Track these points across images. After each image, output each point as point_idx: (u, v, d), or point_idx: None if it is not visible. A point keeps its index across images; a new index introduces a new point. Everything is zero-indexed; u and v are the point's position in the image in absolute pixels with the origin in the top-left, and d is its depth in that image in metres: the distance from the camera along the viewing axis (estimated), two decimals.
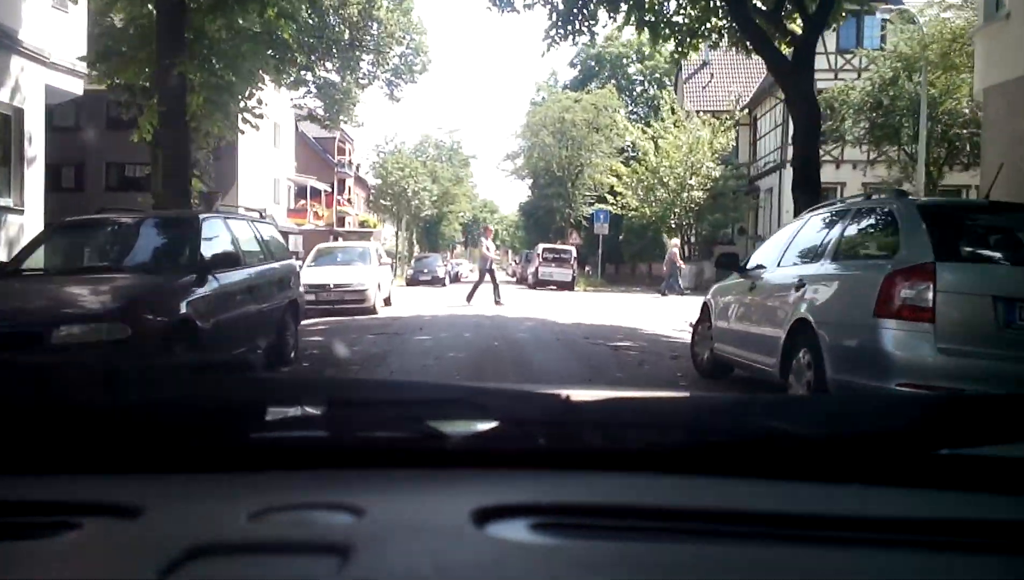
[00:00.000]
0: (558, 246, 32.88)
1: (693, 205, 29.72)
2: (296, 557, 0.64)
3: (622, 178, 31.46)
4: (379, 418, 0.92)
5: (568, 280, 31.24)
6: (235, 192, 32.72)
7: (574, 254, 31.82)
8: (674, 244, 26.06)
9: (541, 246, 32.17)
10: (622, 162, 32.78)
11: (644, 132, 30.95)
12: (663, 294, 25.08)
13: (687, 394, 1.57)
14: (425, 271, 32.08)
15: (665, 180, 30.19)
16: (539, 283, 31.25)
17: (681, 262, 25.69)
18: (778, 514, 0.75)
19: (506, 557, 0.65)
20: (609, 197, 33.31)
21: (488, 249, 17.96)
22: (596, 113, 39.13)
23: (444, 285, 32.37)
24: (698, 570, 0.65)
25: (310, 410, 0.94)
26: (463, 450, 0.87)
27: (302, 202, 41.47)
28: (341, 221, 52.75)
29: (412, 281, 31.83)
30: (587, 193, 41.37)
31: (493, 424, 0.89)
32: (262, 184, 34.99)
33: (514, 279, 51.13)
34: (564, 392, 0.93)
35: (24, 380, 0.99)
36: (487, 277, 17.87)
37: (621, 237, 35.69)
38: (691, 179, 29.75)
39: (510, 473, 0.84)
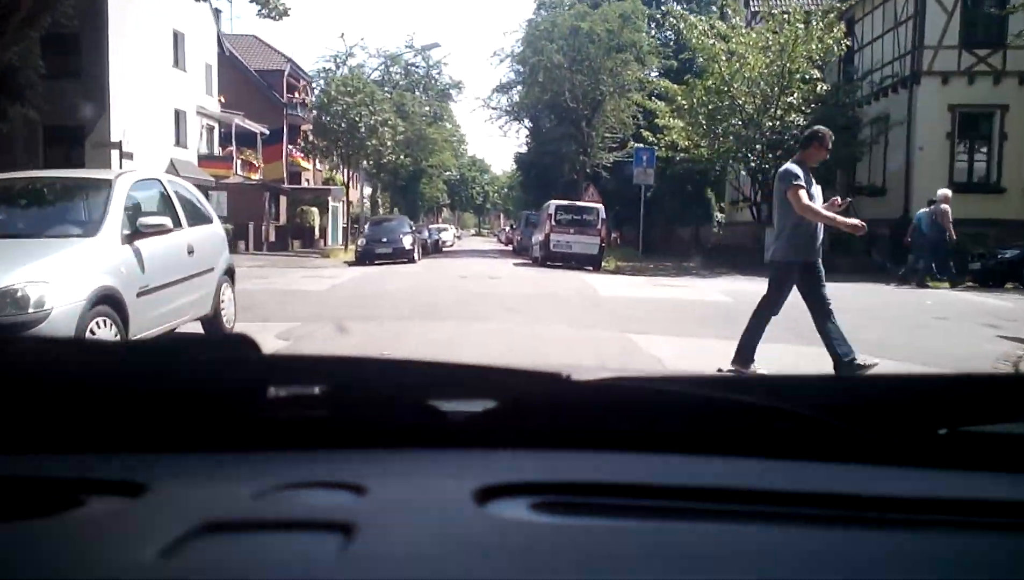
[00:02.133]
0: (580, 204, 22.70)
1: (787, 135, 19.48)
2: (299, 534, 0.64)
3: (674, 100, 21.11)
4: (381, 397, 0.91)
5: (594, 253, 21.18)
6: (104, 127, 22.30)
7: (602, 215, 21.67)
8: (944, 196, 15.41)
9: (554, 203, 22.00)
10: (669, 80, 22.26)
11: (707, 33, 20.55)
12: (910, 282, 15.15)
13: (688, 373, 1.47)
14: (384, 241, 21.91)
15: (741, 101, 19.96)
16: (550, 257, 21.21)
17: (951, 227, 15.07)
18: (780, 492, 0.75)
19: (508, 535, 0.65)
20: (647, 134, 23.16)
21: None
22: (621, 26, 28.58)
23: (413, 260, 22.20)
24: (700, 549, 0.65)
25: (312, 389, 0.92)
26: (465, 429, 0.88)
27: (231, 149, 30.97)
28: (296, 177, 42.28)
29: (365, 256, 21.68)
30: (608, 136, 31.04)
31: (495, 403, 0.90)
32: (154, 118, 24.53)
33: (509, 248, 41.05)
34: (566, 371, 0.91)
35: (25, 357, 0.93)
36: None
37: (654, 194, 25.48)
38: (786, 96, 19.53)
39: (512, 452, 0.85)
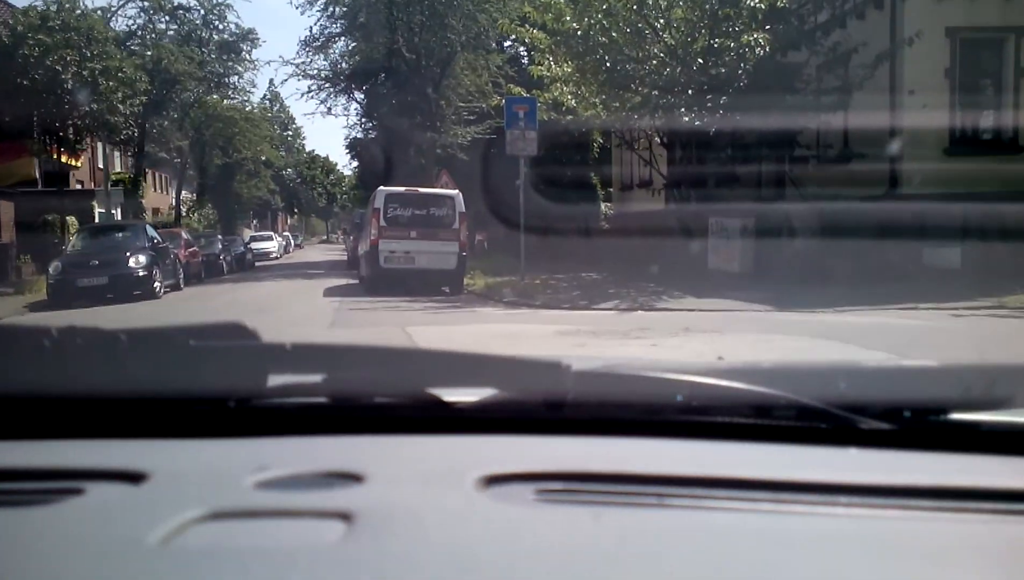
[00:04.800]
0: (424, 191, 14.85)
1: (728, 71, 12.60)
2: (300, 522, 0.64)
3: (558, 31, 13.64)
4: (381, 384, 0.90)
5: (451, 266, 13.48)
6: None
7: (459, 207, 13.98)
8: None
9: (383, 192, 14.03)
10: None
11: None
12: None
13: (688, 361, 1.58)
14: (94, 264, 13.08)
15: (659, 25, 12.89)
16: (382, 278, 13.34)
17: None
18: (780, 481, 0.74)
19: (512, 524, 0.65)
20: (518, 91, 15.70)
21: None
22: None
23: (154, 293, 13.58)
24: (702, 536, 0.65)
25: (312, 376, 0.91)
26: (465, 417, 0.86)
27: None
28: (60, 178, 31.67)
29: (60, 292, 12.83)
30: (463, 106, 23.38)
31: (495, 391, 0.88)
32: None
33: (346, 260, 32.62)
34: (566, 361, 0.90)
35: (25, 345, 0.92)
36: None
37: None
38: (725, 11, 12.62)
39: (512, 439, 0.84)
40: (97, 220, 28.36)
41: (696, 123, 13.10)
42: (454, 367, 0.96)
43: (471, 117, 23.06)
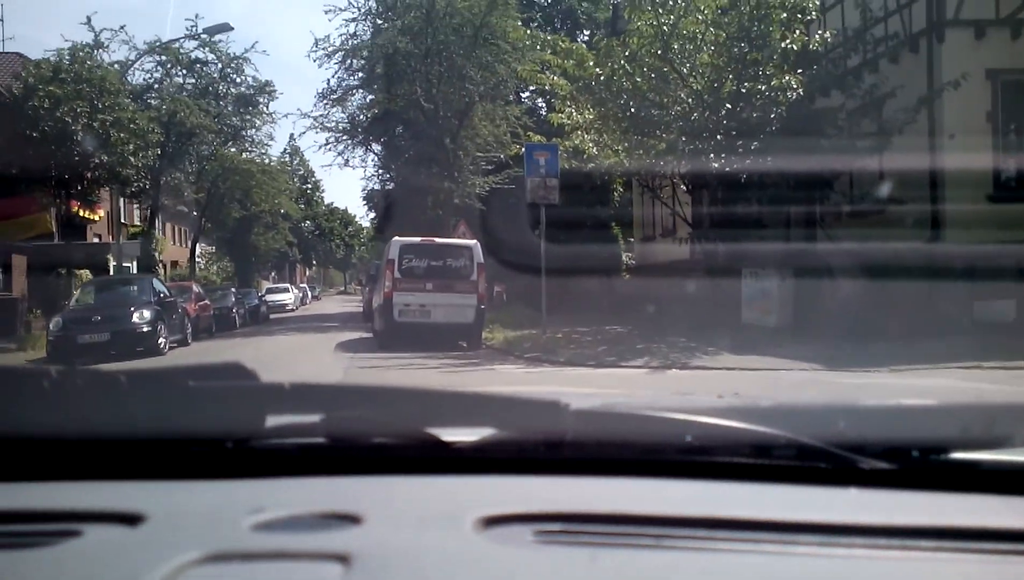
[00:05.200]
0: (441, 241, 14.26)
1: (760, 114, 12.02)
2: (297, 564, 0.64)
3: (581, 78, 13.16)
4: (379, 424, 0.89)
5: (469, 320, 12.82)
6: None
7: (477, 257, 13.37)
8: None
9: (398, 242, 13.44)
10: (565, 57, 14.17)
11: None
12: None
13: (688, 400, 1.50)
14: (96, 319, 12.53)
15: (686, 70, 12.40)
16: (397, 333, 12.67)
17: None
18: (781, 521, 0.74)
19: (510, 566, 0.64)
20: (538, 139, 15.21)
21: None
22: (489, 7, 20.75)
23: (158, 349, 13.00)
24: (703, 578, 0.65)
25: (310, 417, 0.90)
26: (463, 457, 0.86)
27: None
28: (78, 231, 31.61)
29: (61, 349, 12.28)
30: (480, 156, 23.01)
31: (493, 431, 0.87)
32: None
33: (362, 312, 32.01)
34: (564, 399, 0.90)
35: (25, 387, 0.92)
36: None
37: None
38: (755, 55, 12.11)
39: (511, 479, 0.84)
40: (112, 273, 28.15)
41: (726, 169, 12.48)
42: (453, 406, 0.95)
43: (489, 167, 22.65)
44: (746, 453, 0.86)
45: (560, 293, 21.07)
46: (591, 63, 12.62)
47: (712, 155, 12.39)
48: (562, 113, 14.36)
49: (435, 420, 0.89)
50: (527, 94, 25.98)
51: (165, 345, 13.34)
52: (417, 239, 13.95)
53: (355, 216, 72.97)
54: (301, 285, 52.36)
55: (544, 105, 27.05)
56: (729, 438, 0.88)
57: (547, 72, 13.94)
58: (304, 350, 14.03)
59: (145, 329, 12.79)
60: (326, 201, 63.83)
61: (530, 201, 12.86)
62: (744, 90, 12.42)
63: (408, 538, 0.68)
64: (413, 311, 12.89)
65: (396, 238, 13.44)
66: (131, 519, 0.73)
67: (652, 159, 13.87)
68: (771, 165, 12.22)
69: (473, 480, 0.84)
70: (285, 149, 41.39)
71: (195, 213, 31.43)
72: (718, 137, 12.39)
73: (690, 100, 12.72)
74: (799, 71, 12.32)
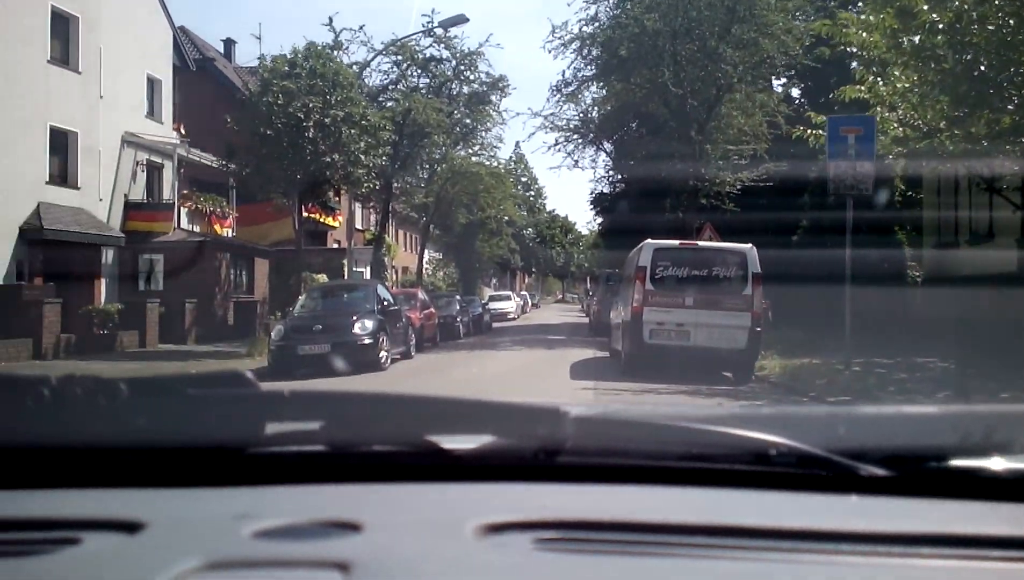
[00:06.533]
0: (705, 244, 11.60)
1: None
2: (297, 572, 0.64)
3: (902, 29, 9.87)
4: (378, 432, 0.90)
5: (741, 345, 10.06)
6: None
7: (752, 266, 10.55)
8: None
9: (651, 245, 10.93)
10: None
11: None
12: None
13: (688, 408, 1.42)
14: (318, 329, 11.39)
15: None
16: (645, 356, 10.24)
17: None
18: (782, 529, 0.74)
19: (510, 573, 0.65)
20: (797, 132, 11.99)
21: None
22: None
23: (378, 364, 11.64)
24: None
25: (309, 425, 0.90)
26: (463, 464, 0.86)
27: (172, 196, 21.49)
28: (319, 237, 32.83)
29: (282, 361, 11.26)
30: (731, 149, 19.97)
31: (493, 438, 0.88)
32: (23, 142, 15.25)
33: (587, 321, 29.97)
34: (563, 407, 0.90)
35: (24, 395, 0.90)
36: None
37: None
38: None
39: (511, 487, 0.84)
40: (347, 278, 28.60)
41: None
42: (453, 414, 0.94)
43: (743, 161, 19.58)
44: (746, 460, 0.85)
45: (826, 310, 17.46)
46: (924, 6, 9.34)
47: None
48: (862, 85, 11.13)
49: (435, 428, 0.88)
50: (783, 79, 22.44)
51: (387, 359, 12.00)
52: (675, 242, 11.45)
53: (574, 223, 71.91)
54: (521, 293, 51.79)
55: (803, 88, 23.38)
56: (729, 445, 0.87)
57: (849, 29, 10.76)
58: (537, 371, 12.08)
59: (366, 341, 11.48)
60: (547, 208, 63.26)
61: (833, 192, 9.85)
62: None
63: (408, 546, 0.68)
64: (668, 331, 10.41)
65: (649, 241, 11.04)
66: (131, 527, 0.72)
67: (991, 140, 10.26)
68: None
69: (473, 488, 0.84)
70: (511, 156, 40.82)
71: (423, 217, 31.43)
72: None
73: None
74: None
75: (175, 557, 0.64)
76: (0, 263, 15.30)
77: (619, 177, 26.20)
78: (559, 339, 20.02)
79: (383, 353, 11.88)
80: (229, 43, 33.65)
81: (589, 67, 20.15)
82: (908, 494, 0.83)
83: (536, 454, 0.86)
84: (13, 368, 11.89)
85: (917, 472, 0.85)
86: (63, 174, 17.37)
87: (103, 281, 18.61)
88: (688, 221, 19.38)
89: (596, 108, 22.83)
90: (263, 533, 0.70)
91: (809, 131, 12.24)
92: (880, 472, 0.83)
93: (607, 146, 25.08)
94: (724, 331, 10.19)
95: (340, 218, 32.90)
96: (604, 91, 21.75)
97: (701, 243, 11.42)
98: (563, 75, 20.93)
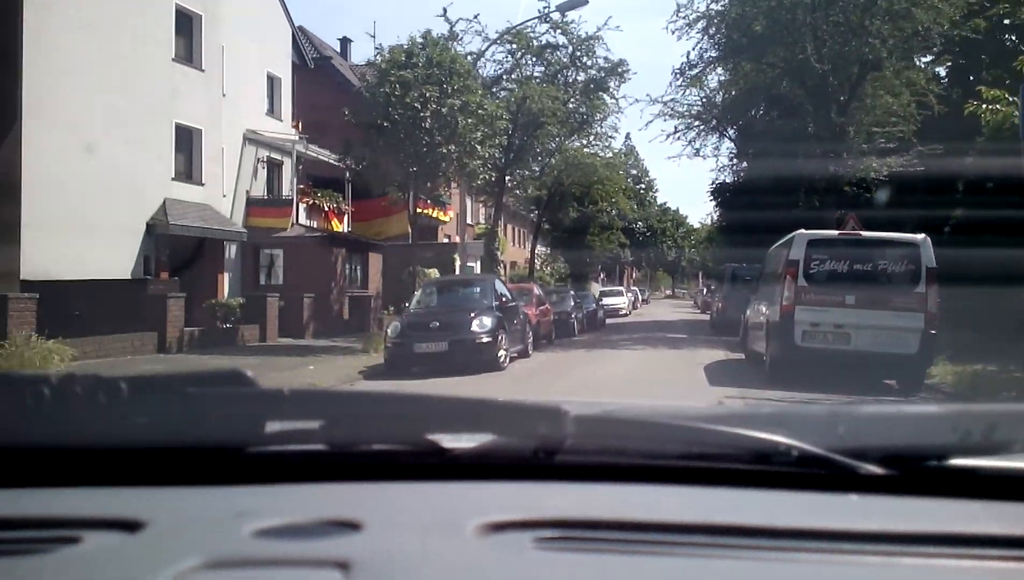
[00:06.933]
0: (870, 235, 10.15)
1: None
2: (297, 571, 0.64)
3: None
4: (378, 431, 0.90)
5: (908, 352, 8.74)
6: (15, 151, 13.57)
7: (926, 259, 9.19)
8: None
9: (803, 236, 9.74)
10: None
11: None
12: None
13: (687, 406, 1.52)
14: (435, 326, 10.84)
15: None
16: (793, 361, 9.08)
17: None
18: (781, 528, 0.74)
19: (510, 572, 0.65)
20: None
21: None
22: None
23: (497, 363, 10.99)
24: None
25: (309, 423, 0.90)
26: (463, 463, 0.86)
27: (290, 192, 21.69)
28: (430, 232, 32.83)
29: (397, 359, 10.80)
30: (877, 131, 18.19)
31: (493, 437, 0.88)
32: (130, 139, 15.61)
33: (706, 317, 28.43)
34: (564, 406, 0.90)
35: (24, 394, 0.90)
36: None
37: None
38: None
39: (511, 486, 0.84)
40: (457, 273, 28.33)
41: None
42: (453, 413, 0.94)
43: (890, 145, 17.78)
44: (746, 459, 0.85)
45: (991, 311, 15.51)
46: None
47: None
48: None
49: (435, 427, 0.88)
50: (931, 55, 20.33)
51: (505, 358, 11.33)
52: (833, 233, 10.21)
53: (686, 216, 69.41)
54: (632, 288, 50.37)
55: (949, 66, 21.15)
56: (729, 444, 0.87)
57: None
58: (667, 374, 11.09)
59: (484, 339, 10.84)
60: (658, 201, 61.33)
61: None
62: None
63: (408, 545, 0.68)
64: (824, 334, 9.22)
65: (801, 232, 9.84)
66: (131, 526, 0.72)
67: None
68: None
69: (473, 487, 0.84)
70: (620, 149, 39.54)
71: (534, 210, 30.70)
72: None
73: None
74: None
75: (175, 556, 0.63)
76: (128, 257, 15.69)
77: (744, 166, 24.61)
78: (681, 338, 18.85)
79: (502, 352, 11.21)
80: (345, 42, 34.12)
81: (716, 48, 18.82)
82: (908, 493, 0.83)
83: (536, 453, 0.86)
84: (138, 361, 12.00)
85: (917, 471, 0.84)
86: (188, 171, 17.72)
87: (225, 276, 18.92)
88: (824, 213, 17.78)
89: (721, 92, 21.43)
90: (263, 532, 0.69)
91: (984, 106, 10.71)
92: (880, 471, 0.83)
93: (731, 133, 23.60)
94: (891, 334, 8.91)
95: (450, 213, 32.80)
96: (731, 73, 20.34)
97: (865, 234, 10.09)
98: (687, 57, 19.64)
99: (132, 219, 15.66)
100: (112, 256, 14.98)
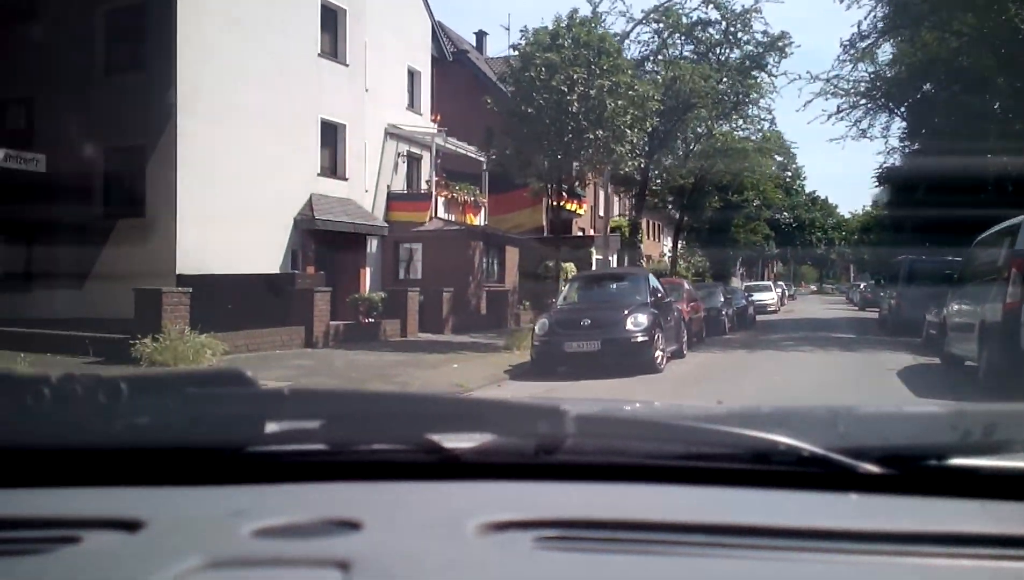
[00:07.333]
0: None
1: None
2: (297, 571, 0.64)
3: None
4: (378, 431, 0.89)
5: None
6: (170, 149, 13.93)
7: None
8: None
9: None
10: None
11: None
12: None
13: (687, 406, 1.50)
14: (586, 324, 10.00)
15: None
16: (1015, 367, 7.52)
17: None
18: (781, 527, 0.74)
19: (510, 572, 0.65)
20: None
21: None
22: None
23: (654, 365, 10.00)
24: None
25: (309, 423, 0.90)
26: (463, 463, 0.86)
27: (427, 185, 21.50)
28: (565, 226, 32.14)
29: (546, 358, 10.05)
30: None
31: (492, 437, 0.88)
32: (278, 136, 15.79)
33: (866, 315, 25.93)
34: (563, 405, 0.90)
35: (24, 394, 0.90)
36: None
37: None
38: None
39: (511, 485, 0.84)
40: (594, 267, 27.32)
41: None
42: (453, 413, 0.94)
43: None
44: (746, 459, 0.85)
45: None
46: None
47: None
48: None
49: (435, 426, 0.88)
50: None
51: (662, 359, 10.34)
52: None
53: (835, 205, 64.84)
54: (779, 283, 47.53)
55: None
56: (729, 444, 0.87)
57: None
58: (856, 383, 9.71)
59: (640, 339, 9.91)
60: (806, 189, 57.56)
61: None
62: None
63: (408, 544, 0.68)
64: None
65: None
66: (130, 525, 0.72)
67: None
68: None
69: (473, 486, 0.84)
70: (770, 131, 37.22)
71: (671, 201, 29.13)
72: None
73: None
74: None
75: (175, 556, 0.64)
76: (277, 251, 15.88)
77: (916, 148, 22.18)
78: (849, 338, 17.06)
79: (658, 353, 10.23)
80: (481, 35, 33.96)
81: (892, 15, 16.80)
82: (907, 493, 0.82)
83: (537, 452, 0.86)
84: (287, 356, 11.94)
85: (916, 471, 0.84)
86: (332, 166, 17.81)
87: (368, 270, 18.94)
88: (1020, 200, 15.46)
89: (894, 66, 19.26)
90: (263, 532, 0.69)
91: None
92: (879, 470, 0.83)
93: (901, 111, 21.28)
94: None
95: (585, 205, 31.85)
96: (907, 43, 18.18)
97: None
98: (858, 27, 17.69)
99: (280, 214, 15.85)
100: (261, 251, 15.18)
